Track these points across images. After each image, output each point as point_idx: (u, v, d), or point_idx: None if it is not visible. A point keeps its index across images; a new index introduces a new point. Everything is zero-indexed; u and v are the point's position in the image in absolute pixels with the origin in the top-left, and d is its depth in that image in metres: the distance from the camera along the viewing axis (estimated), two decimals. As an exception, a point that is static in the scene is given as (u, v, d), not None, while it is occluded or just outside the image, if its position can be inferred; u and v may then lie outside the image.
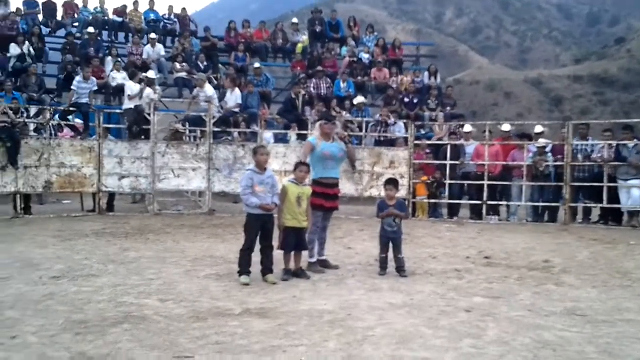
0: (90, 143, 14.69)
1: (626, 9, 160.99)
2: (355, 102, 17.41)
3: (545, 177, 14.43)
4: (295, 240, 7.71)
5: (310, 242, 8.14)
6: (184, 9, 22.65)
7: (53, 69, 19.80)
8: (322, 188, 8.31)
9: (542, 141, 14.78)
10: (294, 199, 7.64)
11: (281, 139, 16.60)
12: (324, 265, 8.36)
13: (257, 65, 19.57)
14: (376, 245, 8.37)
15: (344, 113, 17.02)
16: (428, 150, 15.42)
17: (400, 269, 7.96)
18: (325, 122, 8.55)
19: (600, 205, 13.98)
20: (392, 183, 8.32)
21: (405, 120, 16.46)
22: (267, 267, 7.50)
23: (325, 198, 8.29)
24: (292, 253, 7.73)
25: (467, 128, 15.75)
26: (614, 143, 13.90)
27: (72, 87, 15.19)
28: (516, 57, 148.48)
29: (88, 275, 7.66)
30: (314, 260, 8.32)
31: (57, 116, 15.58)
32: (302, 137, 15.90)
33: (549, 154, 14.57)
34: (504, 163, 14.74)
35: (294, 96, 17.06)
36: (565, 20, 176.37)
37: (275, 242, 7.63)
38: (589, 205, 14.43)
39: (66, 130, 16.49)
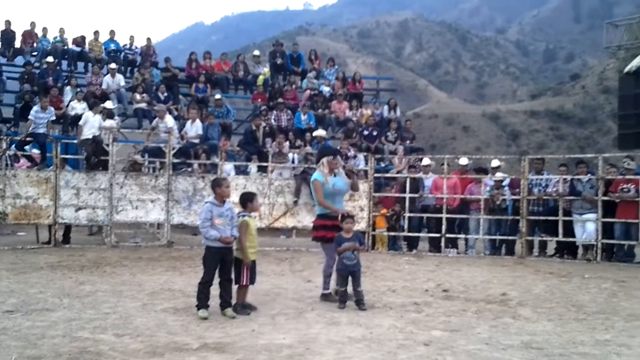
0: (46, 174, 14.47)
1: (581, 46, 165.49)
2: (315, 134, 17.50)
3: (502, 211, 14.65)
4: (255, 272, 7.71)
5: (327, 275, 8.44)
6: (148, 39, 22.60)
7: (10, 98, 19.56)
8: (332, 221, 8.44)
9: (499, 175, 15.00)
10: (253, 230, 7.64)
11: (242, 171, 16.58)
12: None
13: (217, 96, 19.59)
14: (336, 278, 8.36)
15: (302, 145, 17.10)
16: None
17: (360, 302, 7.95)
18: (333, 158, 8.71)
19: (556, 239, 14.21)
20: (351, 217, 8.35)
21: (365, 153, 16.59)
22: (225, 301, 7.43)
23: (327, 229, 8.43)
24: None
25: (426, 161, 15.92)
26: (569, 177, 14.19)
27: (30, 117, 15.02)
28: (474, 91, 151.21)
29: (42, 309, 7.49)
30: (328, 291, 8.44)
31: (13, 146, 15.35)
32: (262, 169, 15.92)
33: (506, 188, 14.79)
34: (462, 196, 14.91)
35: (254, 128, 17.11)
36: (522, 56, 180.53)
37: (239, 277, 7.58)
38: (545, 238, 14.68)
39: (22, 161, 16.23)
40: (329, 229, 8.39)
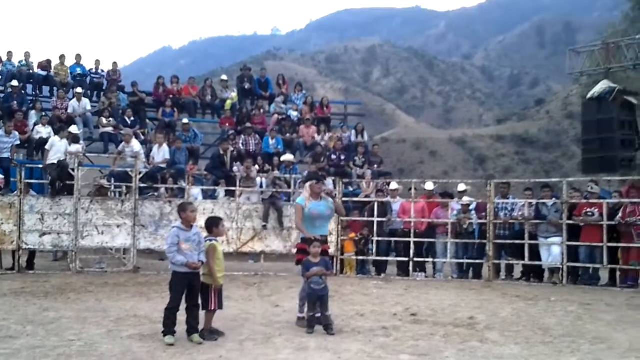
0: (10, 199, 14.23)
1: (545, 72, 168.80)
2: (283, 159, 17.51)
3: (469, 235, 14.75)
4: (222, 297, 7.66)
5: (303, 299, 8.34)
6: (114, 63, 22.45)
7: (-26, 122, 19.27)
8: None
9: (465, 199, 15.12)
10: (221, 256, 7.61)
11: (210, 195, 16.50)
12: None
13: (185, 120, 19.53)
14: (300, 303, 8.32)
15: (270, 169, 17.10)
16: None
17: (328, 327, 7.92)
18: (316, 182, 8.69)
19: (522, 262, 14.33)
20: (318, 241, 8.33)
21: (333, 178, 16.61)
22: (192, 327, 7.35)
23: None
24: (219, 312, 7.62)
25: (393, 185, 16.00)
26: (534, 201, 14.35)
27: (-7, 141, 14.82)
28: (441, 116, 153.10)
29: (5, 336, 7.34)
30: (302, 315, 8.37)
31: (-24, 171, 15.10)
32: (230, 194, 15.86)
33: (473, 212, 14.91)
34: (429, 220, 15.00)
35: (222, 152, 17.07)
36: (487, 82, 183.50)
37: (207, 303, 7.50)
38: (511, 262, 14.79)
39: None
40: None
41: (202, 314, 7.52)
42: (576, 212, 13.75)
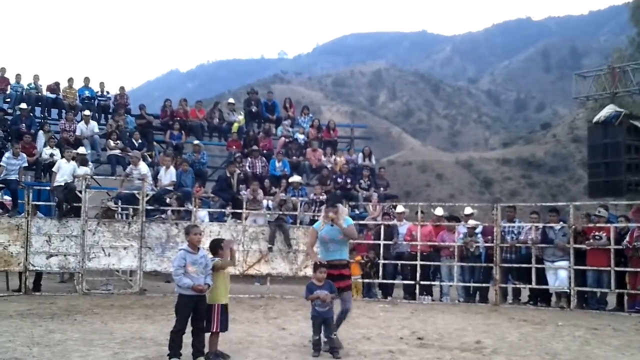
0: (18, 220, 14.29)
1: (551, 96, 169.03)
2: (290, 180, 17.55)
3: (476, 258, 14.71)
4: (227, 319, 7.62)
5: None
6: (121, 87, 22.64)
7: (-18, 144, 19.37)
8: (335, 270, 8.38)
9: (472, 222, 15.09)
10: (226, 275, 7.63)
11: (216, 218, 16.53)
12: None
13: (196, 142, 19.64)
14: (310, 325, 8.29)
15: (278, 191, 17.12)
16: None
17: (334, 350, 7.90)
18: (328, 206, 8.64)
19: (529, 286, 14.27)
20: (324, 266, 8.32)
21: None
22: (198, 350, 7.34)
23: (332, 279, 8.27)
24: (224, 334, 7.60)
25: (400, 209, 16.01)
26: (541, 225, 14.32)
27: (1, 163, 14.94)
28: (447, 139, 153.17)
29: (11, 358, 7.35)
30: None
31: (-16, 193, 15.18)
32: (236, 216, 15.88)
33: (479, 235, 14.88)
34: (435, 243, 14.97)
35: (229, 175, 17.11)
36: (493, 105, 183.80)
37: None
38: (518, 285, 14.73)
39: (-7, 207, 16.05)
40: (334, 278, 8.30)
41: (207, 336, 7.51)
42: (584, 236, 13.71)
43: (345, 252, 8.69)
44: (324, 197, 16.72)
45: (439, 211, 16.01)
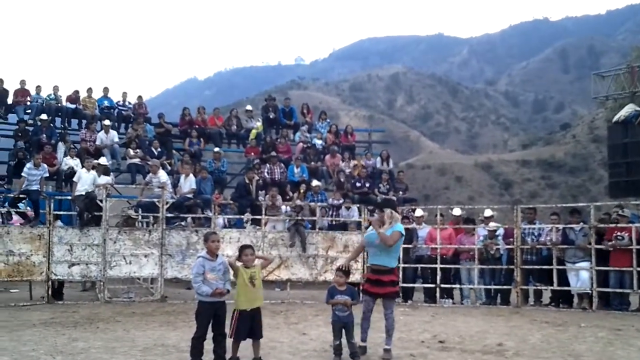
0: (39, 230, 14.44)
1: (570, 96, 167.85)
2: (312, 184, 17.58)
3: (497, 260, 14.64)
4: (249, 326, 7.52)
5: (361, 327, 8.31)
6: (139, 97, 22.83)
7: (4, 156, 19.55)
8: (368, 273, 8.52)
9: (492, 225, 15.03)
10: (246, 280, 7.54)
11: (234, 224, 16.59)
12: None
13: (216, 149, 19.73)
14: (331, 330, 8.30)
15: (295, 196, 17.14)
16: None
17: (355, 355, 7.91)
18: (372, 212, 8.66)
19: (551, 288, 14.18)
20: (343, 270, 8.33)
21: (358, 205, 16.64)
22: (219, 356, 7.37)
23: (370, 283, 8.34)
24: (247, 341, 7.58)
25: (418, 212, 15.98)
26: (561, 226, 14.23)
27: (23, 174, 15.05)
28: (465, 142, 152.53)
29: (34, 367, 7.42)
30: (364, 344, 8.34)
31: (6, 203, 15.34)
32: (256, 222, 15.93)
33: (500, 237, 14.81)
34: (455, 246, 14.93)
35: (247, 181, 17.16)
36: (512, 107, 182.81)
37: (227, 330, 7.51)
38: (539, 287, 14.63)
39: (16, 218, 16.21)
40: (372, 282, 8.34)
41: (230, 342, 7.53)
42: (606, 237, 13.61)
43: (387, 258, 8.37)
44: (341, 201, 16.77)
45: (457, 211, 16.00)
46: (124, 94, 22.57)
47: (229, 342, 7.49)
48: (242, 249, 7.84)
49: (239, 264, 7.67)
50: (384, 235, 8.22)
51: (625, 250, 13.24)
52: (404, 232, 8.51)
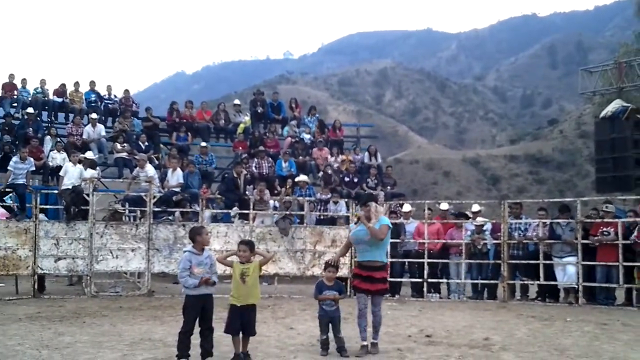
0: (25, 224, 14.35)
1: (558, 91, 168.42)
2: (297, 179, 17.56)
3: (484, 255, 14.69)
4: (240, 322, 7.47)
5: (359, 326, 8.21)
6: (126, 90, 22.74)
7: (-11, 149, 19.43)
8: (358, 270, 8.38)
9: (479, 219, 15.07)
10: (237, 276, 7.51)
11: (221, 219, 16.56)
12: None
13: (203, 144, 19.65)
14: (318, 325, 8.29)
15: (283, 191, 17.12)
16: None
17: (342, 349, 7.91)
18: (358, 205, 8.55)
19: (537, 282, 14.23)
20: (334, 265, 8.33)
21: (346, 199, 16.66)
22: (206, 351, 7.36)
23: (361, 279, 8.23)
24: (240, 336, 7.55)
25: (406, 207, 15.98)
26: (548, 221, 14.28)
27: (9, 168, 14.95)
28: (454, 137, 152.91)
29: (20, 361, 7.38)
30: (364, 343, 8.19)
31: (-8, 197, 15.23)
32: (243, 217, 15.90)
33: (487, 232, 14.86)
34: (443, 241, 14.96)
35: (235, 175, 17.12)
36: (500, 102, 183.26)
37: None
38: (526, 282, 14.70)
39: (1, 211, 16.10)
40: (362, 279, 8.22)
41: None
42: (592, 232, 13.67)
43: (378, 253, 8.27)
44: (329, 196, 16.77)
45: (444, 205, 16.03)
46: (109, 87, 22.46)
47: (217, 336, 7.48)
48: (239, 244, 7.82)
49: (235, 258, 7.66)
50: (375, 230, 8.13)
51: (612, 245, 13.29)
52: (390, 225, 8.47)
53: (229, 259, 7.87)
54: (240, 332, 7.50)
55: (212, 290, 7.47)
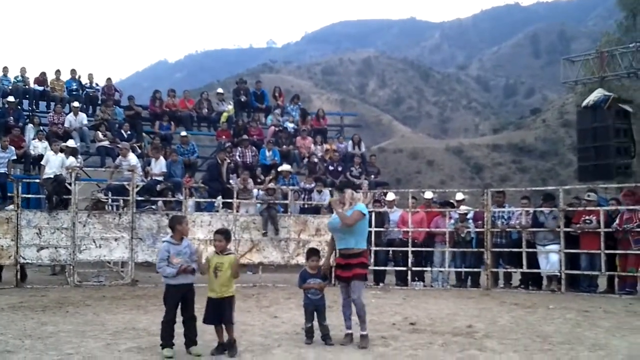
0: (7, 213, 14.22)
1: (540, 81, 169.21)
2: (280, 169, 17.53)
3: (467, 243, 14.76)
4: (214, 313, 7.38)
5: (344, 314, 8.18)
6: (108, 79, 22.58)
7: (-30, 139, 19.22)
8: (338, 258, 8.26)
9: (463, 208, 15.13)
10: (211, 269, 7.42)
11: (205, 208, 16.50)
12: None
13: (184, 133, 19.52)
14: (303, 313, 8.28)
15: (267, 180, 17.10)
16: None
17: (326, 337, 7.92)
18: (335, 192, 8.46)
19: (520, 270, 14.32)
20: (316, 254, 8.33)
21: (330, 188, 16.64)
22: (190, 339, 7.34)
23: (341, 268, 8.13)
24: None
25: (390, 196, 16.00)
26: (531, 210, 14.36)
27: (-10, 157, 14.82)
28: (437, 126, 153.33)
29: (3, 351, 7.32)
30: (349, 331, 8.15)
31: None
32: (227, 206, 15.85)
33: (470, 221, 14.92)
34: (428, 230, 15.01)
35: (219, 162, 16.98)
36: (483, 91, 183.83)
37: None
38: (509, 270, 14.79)
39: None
40: (342, 267, 8.14)
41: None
42: (574, 220, 13.76)
43: (353, 240, 8.12)
44: (313, 185, 16.76)
45: (428, 194, 16.08)
46: (90, 75, 22.26)
47: (201, 325, 7.45)
48: (214, 233, 7.76)
49: (211, 250, 7.62)
50: (343, 214, 8.04)
51: (594, 234, 13.39)
52: (365, 212, 8.24)
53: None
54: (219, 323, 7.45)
55: (192, 279, 7.43)
